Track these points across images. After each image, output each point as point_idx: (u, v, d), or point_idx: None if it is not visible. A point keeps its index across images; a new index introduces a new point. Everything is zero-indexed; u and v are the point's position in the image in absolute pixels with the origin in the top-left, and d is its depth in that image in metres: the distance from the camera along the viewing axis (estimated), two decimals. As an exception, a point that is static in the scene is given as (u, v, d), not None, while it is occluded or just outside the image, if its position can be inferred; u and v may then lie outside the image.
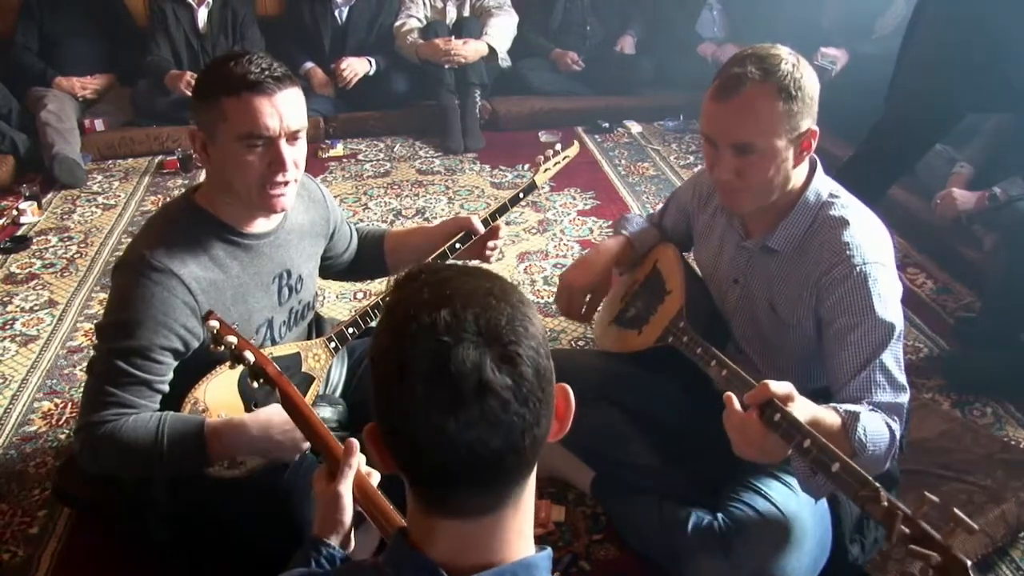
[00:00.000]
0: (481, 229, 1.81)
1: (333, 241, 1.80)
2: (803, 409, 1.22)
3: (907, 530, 1.03)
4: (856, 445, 1.27)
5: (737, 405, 1.22)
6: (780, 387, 1.20)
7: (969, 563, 0.99)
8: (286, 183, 1.44)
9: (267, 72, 1.37)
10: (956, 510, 1.00)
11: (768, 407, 1.20)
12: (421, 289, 0.76)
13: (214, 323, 1.34)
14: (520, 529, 0.79)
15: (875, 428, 1.29)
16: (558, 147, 2.06)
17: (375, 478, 1.16)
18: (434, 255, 1.76)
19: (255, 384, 1.34)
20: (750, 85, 1.37)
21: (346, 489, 1.11)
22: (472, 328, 0.71)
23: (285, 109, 1.39)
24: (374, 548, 1.51)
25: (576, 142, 2.17)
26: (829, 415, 1.28)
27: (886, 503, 1.07)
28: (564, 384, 0.81)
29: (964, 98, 2.27)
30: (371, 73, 4.10)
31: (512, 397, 0.71)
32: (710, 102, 1.43)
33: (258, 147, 1.40)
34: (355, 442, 1.14)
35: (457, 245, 1.79)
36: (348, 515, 1.10)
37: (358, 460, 1.15)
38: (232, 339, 1.33)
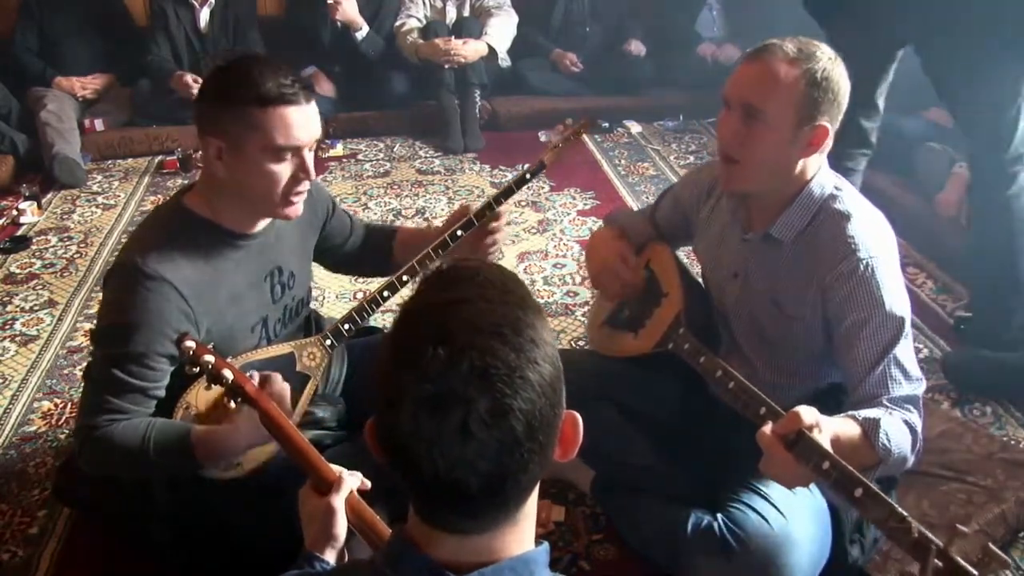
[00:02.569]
0: (472, 209, 1.74)
1: (327, 231, 1.80)
2: (826, 428, 1.19)
3: (940, 564, 1.00)
4: (881, 452, 1.26)
5: (768, 430, 1.21)
6: (808, 416, 1.18)
7: None
8: (304, 191, 1.49)
9: (299, 84, 1.40)
10: (990, 544, 0.98)
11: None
12: (431, 308, 0.74)
13: (189, 344, 1.33)
14: (518, 538, 0.78)
15: (897, 431, 1.29)
16: (568, 121, 2.00)
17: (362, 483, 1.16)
18: (435, 244, 1.71)
19: (232, 404, 1.34)
20: (781, 55, 1.40)
21: (340, 502, 1.10)
22: (465, 375, 0.68)
23: (312, 121, 1.43)
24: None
25: (587, 120, 2.10)
26: (849, 426, 1.27)
27: (916, 535, 1.03)
28: (574, 412, 0.79)
29: (887, 35, 2.23)
30: (360, 36, 4.05)
31: (496, 448, 0.70)
32: (739, 64, 1.46)
33: (287, 157, 1.42)
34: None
35: (459, 232, 1.72)
36: (343, 529, 1.09)
37: (355, 477, 1.15)
38: (209, 358, 1.32)
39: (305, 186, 1.47)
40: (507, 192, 1.79)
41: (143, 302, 1.40)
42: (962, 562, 0.98)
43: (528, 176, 1.83)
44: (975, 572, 0.97)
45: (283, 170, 1.43)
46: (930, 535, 1.02)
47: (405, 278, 1.70)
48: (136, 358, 1.40)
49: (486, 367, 0.69)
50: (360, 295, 2.76)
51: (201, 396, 1.47)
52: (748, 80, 1.43)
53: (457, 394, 0.68)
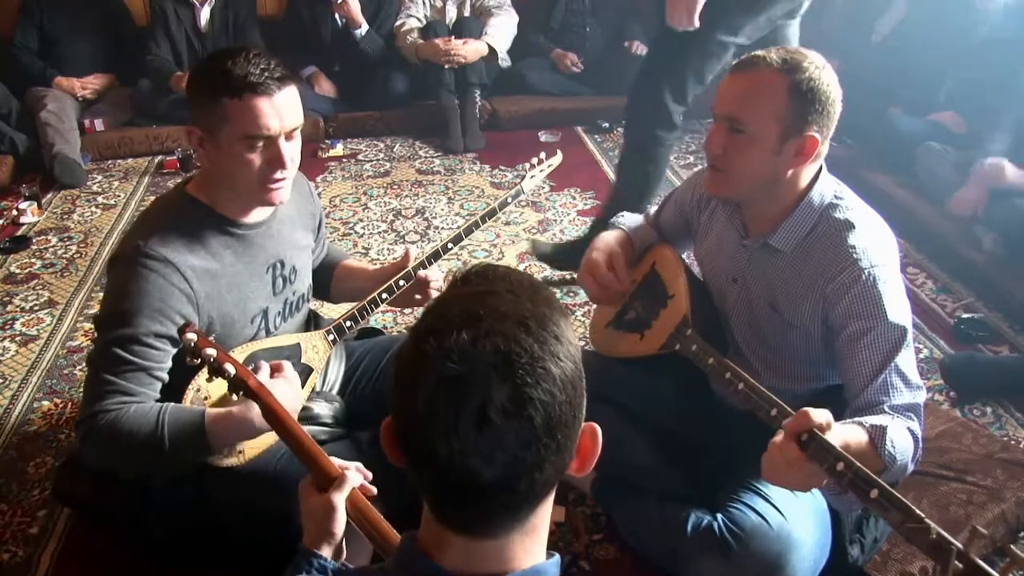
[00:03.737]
0: (411, 262, 1.78)
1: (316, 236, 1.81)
2: (835, 434, 1.19)
3: (961, 566, 0.98)
4: (887, 460, 1.26)
5: (779, 438, 1.20)
6: (819, 415, 1.17)
7: None
8: (284, 179, 1.47)
9: (267, 73, 1.38)
10: (1013, 547, 0.97)
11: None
12: (458, 298, 0.75)
13: (191, 336, 1.33)
14: (529, 548, 0.78)
15: (902, 440, 1.29)
16: (543, 155, 2.15)
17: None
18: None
19: (234, 397, 1.34)
20: (764, 67, 1.39)
21: (341, 500, 1.10)
22: (488, 359, 0.68)
23: (285, 109, 1.41)
24: (368, 558, 1.50)
25: (559, 151, 2.23)
26: (857, 433, 1.27)
27: (935, 536, 1.02)
28: (594, 424, 0.79)
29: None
30: (359, 34, 4.04)
31: (513, 438, 0.69)
32: (726, 75, 1.46)
33: (259, 146, 1.42)
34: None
35: (402, 282, 1.77)
36: (341, 526, 1.09)
37: (357, 474, 1.15)
38: (211, 351, 1.32)
39: (282, 174, 1.45)
40: (491, 214, 1.94)
41: (146, 282, 1.40)
42: (983, 564, 0.97)
43: (509, 200, 1.99)
44: (995, 573, 0.95)
45: (255, 159, 1.42)
46: (950, 537, 1.01)
47: (402, 282, 1.76)
48: (139, 338, 1.40)
49: (509, 353, 0.69)
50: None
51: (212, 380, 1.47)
52: (731, 94, 1.43)
53: (478, 378, 0.68)
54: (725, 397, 1.66)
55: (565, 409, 0.71)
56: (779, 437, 1.20)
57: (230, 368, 1.31)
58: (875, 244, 1.43)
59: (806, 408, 1.18)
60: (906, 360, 1.38)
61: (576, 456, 0.77)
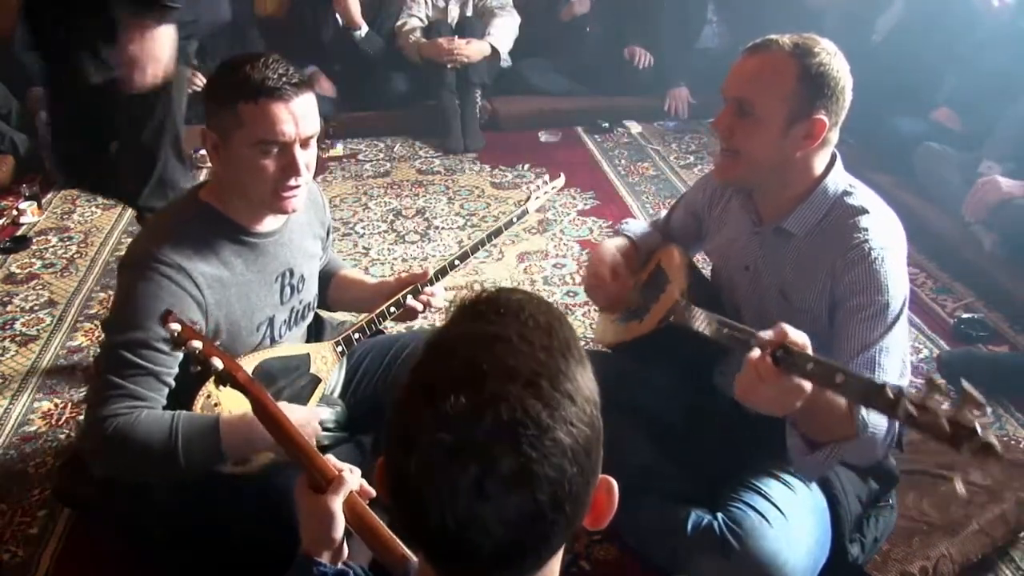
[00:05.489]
0: (429, 275, 1.77)
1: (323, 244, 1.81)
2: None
3: (912, 408, 1.00)
4: (859, 426, 1.28)
5: (755, 354, 1.20)
6: (795, 334, 1.18)
7: (977, 426, 0.95)
8: (298, 186, 1.46)
9: (285, 78, 1.38)
10: (965, 382, 0.97)
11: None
12: (463, 340, 0.68)
13: (175, 326, 1.30)
14: None
15: (877, 414, 1.28)
16: (546, 178, 2.19)
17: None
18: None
19: (220, 389, 1.32)
20: (775, 50, 1.41)
21: (338, 504, 1.07)
22: (489, 429, 0.61)
23: (301, 115, 1.41)
24: (368, 558, 1.48)
25: (562, 175, 2.24)
26: (836, 396, 1.27)
27: (891, 395, 1.04)
28: (609, 478, 0.72)
29: None
30: (359, 35, 4.04)
31: (516, 515, 0.63)
32: (738, 58, 1.48)
33: (273, 152, 1.41)
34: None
35: (410, 297, 1.76)
36: (340, 531, 1.06)
37: (355, 476, 1.13)
38: (197, 344, 1.27)
39: (296, 182, 1.44)
40: (496, 232, 1.96)
41: (156, 287, 1.40)
42: (929, 403, 0.99)
43: (515, 219, 2.01)
44: (942, 407, 0.98)
45: (269, 165, 1.41)
46: (890, 383, 1.03)
47: (410, 298, 1.76)
48: (148, 342, 1.40)
49: (515, 423, 0.62)
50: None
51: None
52: (739, 73, 1.45)
53: (477, 447, 0.62)
54: (725, 390, 1.66)
55: (576, 481, 0.64)
56: (754, 353, 1.20)
57: (217, 362, 1.27)
58: (886, 230, 1.46)
59: (783, 324, 1.19)
60: (896, 343, 1.40)
61: (590, 512, 0.71)
